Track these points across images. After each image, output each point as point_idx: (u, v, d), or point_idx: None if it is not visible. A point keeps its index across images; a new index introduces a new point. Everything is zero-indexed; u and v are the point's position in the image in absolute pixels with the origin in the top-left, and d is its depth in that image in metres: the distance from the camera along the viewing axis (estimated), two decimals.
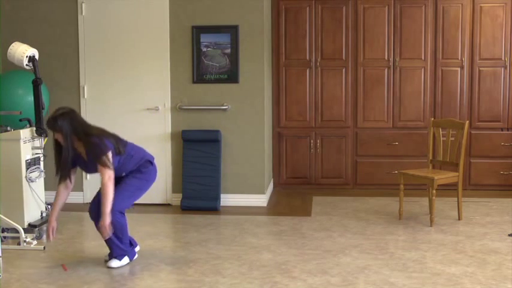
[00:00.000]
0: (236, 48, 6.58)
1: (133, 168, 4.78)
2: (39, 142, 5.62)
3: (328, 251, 5.02)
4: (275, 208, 6.65)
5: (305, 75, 7.42)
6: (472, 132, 7.29)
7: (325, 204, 6.68)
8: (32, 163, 5.54)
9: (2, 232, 5.34)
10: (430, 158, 6.23)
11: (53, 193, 6.59)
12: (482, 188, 7.31)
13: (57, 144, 4.58)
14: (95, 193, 6.89)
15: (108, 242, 4.65)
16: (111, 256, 4.70)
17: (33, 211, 5.55)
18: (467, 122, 6.03)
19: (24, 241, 5.15)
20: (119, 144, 4.70)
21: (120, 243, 4.65)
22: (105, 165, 4.51)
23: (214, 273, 4.52)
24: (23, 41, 5.67)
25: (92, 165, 4.59)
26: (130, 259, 4.76)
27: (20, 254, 5.00)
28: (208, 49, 6.63)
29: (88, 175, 6.80)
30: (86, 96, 6.79)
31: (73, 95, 6.80)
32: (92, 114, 6.79)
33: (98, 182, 6.86)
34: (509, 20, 7.18)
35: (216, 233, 5.65)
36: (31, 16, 6.78)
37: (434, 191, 5.77)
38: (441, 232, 5.58)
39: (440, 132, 6.15)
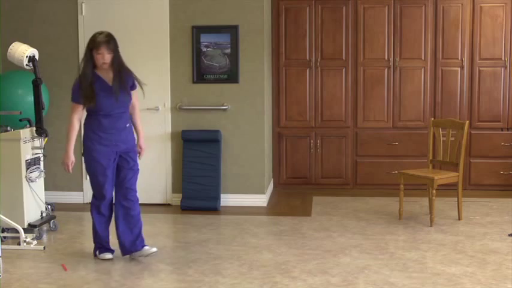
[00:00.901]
0: (236, 48, 6.57)
1: None
2: (39, 142, 5.62)
3: (328, 251, 5.02)
4: (275, 208, 6.65)
5: (305, 75, 7.42)
6: (472, 132, 7.28)
7: (325, 204, 6.68)
8: (32, 163, 5.54)
9: (2, 232, 5.34)
10: (430, 158, 6.23)
11: (53, 193, 6.67)
12: (482, 188, 7.31)
13: (86, 67, 4.63)
14: None
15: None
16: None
17: (33, 211, 5.55)
18: (467, 122, 6.03)
19: (24, 241, 5.15)
20: None
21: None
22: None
23: (214, 273, 4.52)
24: (23, 41, 5.67)
25: (121, 91, 4.67)
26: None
27: (20, 254, 5.00)
28: (208, 49, 6.63)
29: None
30: None
31: None
32: None
33: None
34: (509, 20, 7.18)
35: (216, 233, 5.65)
36: (31, 16, 6.78)
37: (434, 191, 5.77)
38: (441, 232, 5.58)
39: (440, 132, 6.15)
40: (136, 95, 4.90)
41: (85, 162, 4.88)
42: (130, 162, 4.89)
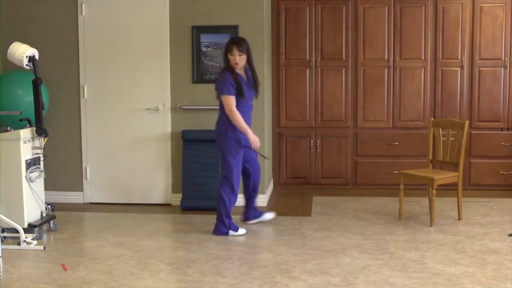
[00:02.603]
0: None
1: None
2: (39, 142, 5.62)
3: (328, 251, 5.02)
4: (275, 208, 6.64)
5: (305, 75, 7.42)
6: (472, 132, 7.29)
7: (325, 204, 6.68)
8: (32, 163, 5.54)
9: (2, 232, 5.34)
10: (430, 158, 6.23)
11: (53, 193, 6.67)
12: (482, 188, 7.31)
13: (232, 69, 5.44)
14: (95, 193, 6.95)
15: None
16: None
17: (33, 211, 5.55)
18: (467, 122, 6.03)
19: (24, 241, 5.14)
20: None
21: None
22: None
23: (214, 273, 4.52)
24: (23, 41, 5.67)
25: (252, 89, 5.56)
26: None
27: (20, 254, 5.00)
28: (208, 49, 6.63)
29: (88, 175, 6.82)
30: (86, 96, 6.79)
31: (73, 95, 6.80)
32: (92, 114, 6.80)
33: (98, 182, 6.89)
34: (509, 20, 7.18)
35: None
36: (31, 16, 6.78)
37: (434, 191, 5.77)
38: (441, 232, 5.58)
39: (440, 132, 6.15)
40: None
41: (227, 148, 5.49)
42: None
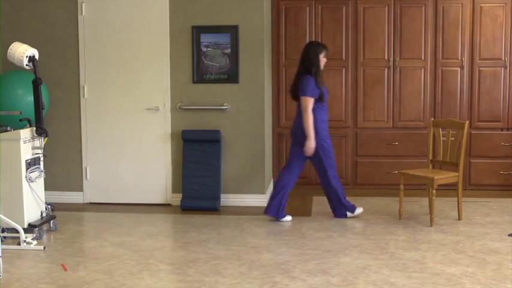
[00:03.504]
0: (236, 48, 6.57)
1: None
2: (39, 142, 5.62)
3: (328, 251, 5.02)
4: None
5: None
6: (472, 132, 7.29)
7: (325, 204, 6.66)
8: (32, 163, 5.54)
9: (2, 232, 5.34)
10: (430, 158, 6.23)
11: (53, 193, 6.67)
12: (482, 188, 7.31)
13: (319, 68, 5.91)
14: (95, 193, 6.96)
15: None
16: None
17: (33, 211, 5.55)
18: (467, 122, 6.03)
19: (24, 241, 5.14)
20: None
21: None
22: None
23: (214, 273, 4.52)
24: (23, 41, 5.68)
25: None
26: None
27: (20, 254, 5.00)
28: (208, 49, 6.63)
29: (88, 175, 6.82)
30: (86, 96, 6.79)
31: (73, 95, 6.80)
32: (92, 114, 6.80)
33: (98, 182, 6.88)
34: (509, 20, 7.18)
35: (216, 233, 5.65)
36: (31, 16, 6.78)
37: (434, 191, 5.77)
38: (441, 232, 5.58)
39: (440, 132, 6.15)
40: None
41: (322, 141, 5.93)
42: None
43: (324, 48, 5.98)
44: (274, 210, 6.01)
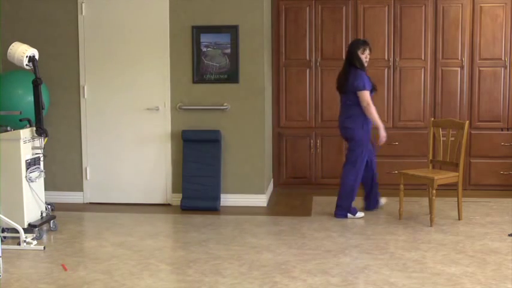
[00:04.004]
0: (236, 48, 6.57)
1: None
2: (39, 142, 5.61)
3: (328, 251, 5.02)
4: (275, 208, 6.65)
5: (305, 75, 7.42)
6: (472, 132, 7.29)
7: (325, 204, 6.67)
8: (32, 163, 5.54)
9: (2, 232, 5.34)
10: (430, 158, 6.23)
11: (53, 193, 6.67)
12: (482, 188, 7.31)
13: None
14: (95, 193, 6.96)
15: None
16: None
17: (33, 211, 5.55)
18: (467, 122, 6.03)
19: (24, 241, 5.14)
20: None
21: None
22: None
23: (214, 273, 4.52)
24: (23, 41, 5.67)
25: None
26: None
27: (20, 254, 5.00)
28: (208, 49, 6.63)
29: (88, 175, 6.82)
30: (86, 96, 6.79)
31: (73, 95, 6.80)
32: (92, 114, 6.80)
33: (98, 182, 6.89)
34: (509, 20, 7.18)
35: (216, 233, 5.65)
36: (31, 16, 6.78)
37: (434, 191, 5.77)
38: (441, 232, 5.58)
39: (440, 132, 6.15)
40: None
41: (361, 140, 6.07)
42: None
43: (362, 45, 6.11)
44: (374, 203, 6.37)
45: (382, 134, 6.04)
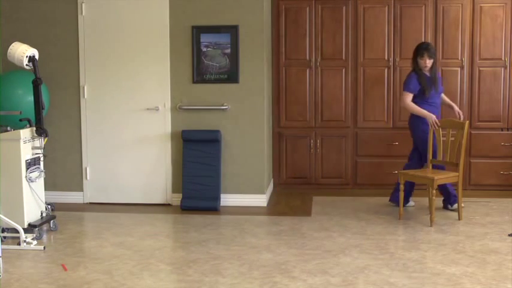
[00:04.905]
0: (236, 48, 6.57)
1: None
2: (39, 142, 5.62)
3: (328, 251, 5.02)
4: (275, 208, 6.65)
5: (305, 75, 7.42)
6: (472, 132, 7.29)
7: (325, 204, 6.68)
8: (32, 163, 5.54)
9: (2, 232, 5.34)
10: (430, 158, 6.23)
11: (53, 193, 6.67)
12: (482, 188, 7.31)
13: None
14: (95, 193, 6.95)
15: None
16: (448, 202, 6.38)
17: (33, 211, 5.55)
18: (467, 122, 6.03)
19: (24, 241, 5.15)
20: None
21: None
22: None
23: (214, 273, 4.52)
24: (23, 41, 5.67)
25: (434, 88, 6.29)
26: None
27: (20, 254, 5.00)
28: (208, 49, 6.63)
29: (88, 175, 6.81)
30: (86, 96, 6.79)
31: (73, 95, 6.80)
32: (92, 114, 6.80)
33: (98, 182, 6.89)
34: (509, 20, 7.18)
35: (216, 233, 5.65)
36: (31, 16, 6.78)
37: (434, 191, 5.77)
38: (441, 232, 5.58)
39: (440, 132, 6.15)
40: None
41: (418, 136, 6.36)
42: None
43: (420, 51, 6.25)
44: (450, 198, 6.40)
45: (427, 116, 6.18)
